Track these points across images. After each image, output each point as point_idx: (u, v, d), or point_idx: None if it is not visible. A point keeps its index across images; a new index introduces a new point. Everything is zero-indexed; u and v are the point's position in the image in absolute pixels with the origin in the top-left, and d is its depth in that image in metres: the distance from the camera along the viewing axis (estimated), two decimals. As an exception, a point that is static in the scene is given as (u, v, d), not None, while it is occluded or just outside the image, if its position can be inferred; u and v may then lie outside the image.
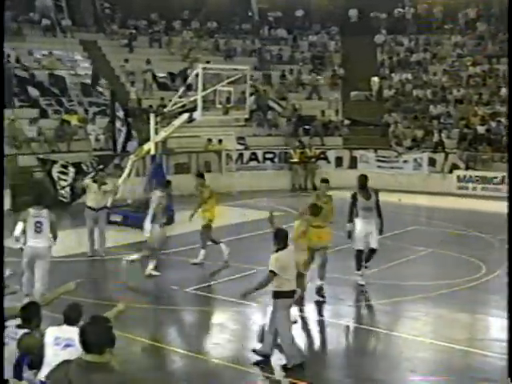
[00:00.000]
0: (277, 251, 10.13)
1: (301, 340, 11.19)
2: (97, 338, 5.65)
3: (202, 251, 16.08)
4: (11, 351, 7.42)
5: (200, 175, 17.85)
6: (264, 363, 10.14)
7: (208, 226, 16.31)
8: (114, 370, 5.76)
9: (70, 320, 7.37)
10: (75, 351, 6.70)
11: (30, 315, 7.68)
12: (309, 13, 40.34)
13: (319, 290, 13.33)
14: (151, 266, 15.06)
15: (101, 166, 23.90)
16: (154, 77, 32.31)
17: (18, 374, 7.44)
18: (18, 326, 7.61)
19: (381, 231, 14.22)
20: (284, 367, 10.01)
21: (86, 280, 14.72)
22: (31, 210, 12.71)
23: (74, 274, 15.08)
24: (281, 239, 10.21)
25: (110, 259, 16.43)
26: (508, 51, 23.24)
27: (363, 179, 14.63)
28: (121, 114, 23.57)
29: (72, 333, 7.01)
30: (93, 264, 16.31)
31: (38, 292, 12.35)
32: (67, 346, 7.16)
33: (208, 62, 29.88)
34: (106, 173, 22.71)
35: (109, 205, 20.95)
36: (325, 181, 14.86)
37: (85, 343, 5.65)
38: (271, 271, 9.90)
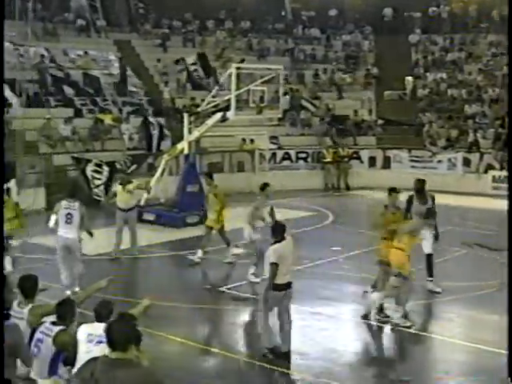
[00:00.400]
0: (274, 243, 10.38)
1: (334, 340, 11.17)
2: (122, 334, 5.69)
3: (233, 249, 16.22)
4: (47, 348, 7.49)
5: (208, 175, 17.85)
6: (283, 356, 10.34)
7: (211, 228, 16.35)
8: (139, 367, 5.79)
9: (100, 317, 7.42)
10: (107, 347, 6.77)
11: (66, 312, 7.74)
12: (342, 12, 40.20)
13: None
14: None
15: (134, 166, 24.10)
16: (189, 76, 32.30)
17: (53, 371, 7.51)
18: (53, 323, 7.68)
19: (436, 237, 13.96)
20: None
21: (119, 278, 14.84)
22: (63, 202, 13.36)
23: (106, 273, 15.24)
24: (278, 232, 10.46)
25: (143, 258, 16.51)
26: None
27: (420, 183, 14.21)
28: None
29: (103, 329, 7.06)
30: (126, 262, 16.39)
31: (77, 273, 13.30)
32: (99, 342, 7.20)
33: (243, 61, 29.96)
34: (132, 171, 23.05)
35: (142, 204, 21.14)
36: (393, 190, 13.37)
37: (110, 340, 5.69)
38: (272, 263, 10.14)
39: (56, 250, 13.54)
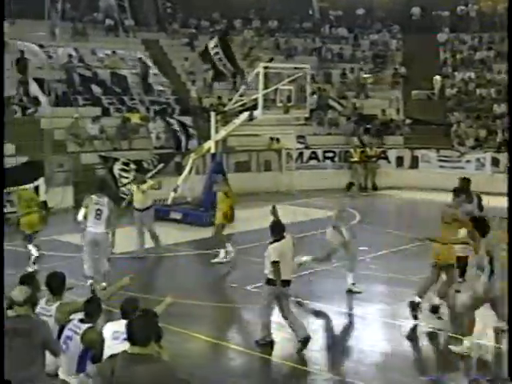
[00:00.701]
0: (273, 242, 10.63)
1: (361, 340, 11.13)
2: (142, 330, 5.71)
3: (222, 251, 16.16)
4: (75, 345, 7.53)
5: (220, 172, 17.95)
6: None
7: (223, 226, 16.29)
8: (159, 362, 5.80)
9: (126, 314, 7.44)
10: None
11: (93, 309, 7.78)
12: (370, 11, 40.05)
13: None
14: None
15: (161, 165, 24.18)
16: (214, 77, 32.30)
17: (81, 368, 7.55)
18: (81, 321, 7.71)
19: None
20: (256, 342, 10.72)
21: (145, 276, 14.92)
22: (93, 197, 13.65)
23: (132, 271, 15.30)
24: (277, 231, 10.74)
25: (169, 256, 16.56)
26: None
27: (465, 182, 13.94)
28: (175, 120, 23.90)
29: None
30: (152, 261, 16.44)
31: (103, 269, 13.54)
32: (125, 339, 7.23)
33: (272, 60, 29.96)
34: (159, 170, 23.17)
35: (169, 202, 21.23)
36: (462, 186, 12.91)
37: (130, 335, 5.72)
38: (274, 262, 10.38)
39: (82, 245, 13.71)
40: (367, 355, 10.65)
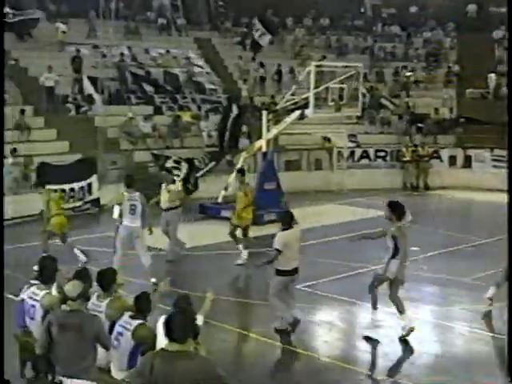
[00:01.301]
0: (282, 231, 11.01)
1: (413, 341, 11.03)
2: (180, 327, 5.74)
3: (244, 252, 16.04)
4: (126, 341, 7.61)
5: (240, 171, 17.37)
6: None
7: (237, 226, 16.17)
8: (198, 358, 5.85)
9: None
10: None
11: (144, 306, 7.86)
12: (424, 9, 39.65)
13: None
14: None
15: (212, 163, 24.29)
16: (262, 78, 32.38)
17: (132, 364, 7.62)
18: (132, 317, 7.79)
19: None
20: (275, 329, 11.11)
21: (194, 273, 15.01)
22: (126, 194, 13.87)
23: (181, 268, 15.46)
24: (286, 220, 11.09)
25: (219, 254, 16.61)
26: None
27: None
28: (234, 113, 23.93)
29: None
30: (202, 258, 16.51)
31: (147, 263, 13.96)
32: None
33: (324, 58, 29.88)
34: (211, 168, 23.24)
35: (220, 200, 21.30)
36: None
37: (169, 332, 5.75)
38: (276, 249, 10.85)
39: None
40: (418, 357, 10.55)
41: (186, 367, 5.61)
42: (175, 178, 23.36)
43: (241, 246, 16.15)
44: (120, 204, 13.77)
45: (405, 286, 13.93)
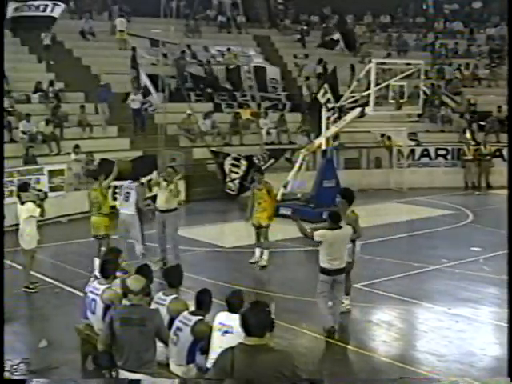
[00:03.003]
0: (329, 229, 10.93)
1: (473, 343, 10.87)
2: (258, 321, 5.75)
3: (262, 251, 15.60)
4: (185, 337, 7.68)
5: (258, 170, 16.81)
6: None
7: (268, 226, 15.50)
8: (277, 351, 5.87)
9: (233, 307, 7.54)
10: (232, 338, 6.88)
11: (204, 301, 7.91)
12: (487, 4, 38.96)
13: None
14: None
15: (272, 160, 24.29)
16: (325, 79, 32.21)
17: (190, 359, 7.69)
18: (192, 313, 7.86)
19: None
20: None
21: (251, 271, 15.04)
22: (125, 183, 14.91)
23: (239, 265, 15.50)
24: (334, 219, 10.98)
25: (278, 251, 16.60)
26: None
27: None
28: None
29: (233, 320, 7.16)
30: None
31: (139, 252, 14.55)
32: (226, 332, 7.33)
33: (389, 55, 29.60)
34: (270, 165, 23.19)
35: (278, 198, 21.28)
36: None
37: (247, 327, 5.76)
38: (313, 236, 11.04)
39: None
40: (479, 358, 10.38)
41: (267, 360, 5.65)
42: (235, 175, 23.64)
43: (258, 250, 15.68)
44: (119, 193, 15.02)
45: (465, 286, 13.83)
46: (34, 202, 13.25)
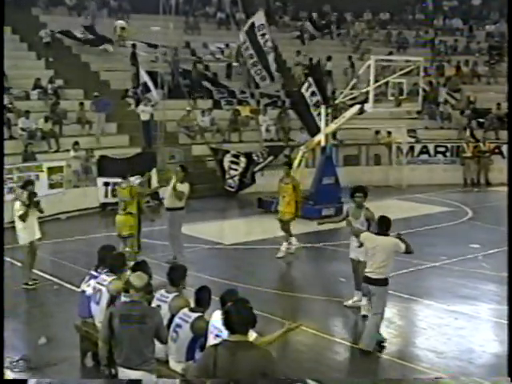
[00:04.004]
0: (375, 234, 10.49)
1: (472, 340, 10.87)
2: (240, 318, 5.79)
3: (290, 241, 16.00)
4: (185, 333, 7.68)
5: (287, 164, 17.17)
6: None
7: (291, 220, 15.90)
8: (259, 348, 5.89)
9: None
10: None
11: (204, 299, 7.91)
12: (487, 1, 38.96)
13: None
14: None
15: (271, 157, 24.28)
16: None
17: (190, 356, 7.69)
18: (191, 310, 7.86)
19: None
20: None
21: (253, 268, 15.04)
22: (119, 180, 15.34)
23: (240, 261, 15.50)
24: (383, 226, 10.42)
25: (277, 249, 16.59)
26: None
27: None
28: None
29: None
30: (261, 252, 16.53)
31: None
32: (217, 336, 7.31)
33: (391, 53, 29.55)
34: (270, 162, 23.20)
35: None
36: None
37: (230, 324, 5.79)
38: (357, 233, 10.85)
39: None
40: (478, 355, 10.39)
41: (247, 357, 5.67)
42: (234, 172, 23.62)
43: (294, 239, 16.12)
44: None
45: (464, 283, 13.83)
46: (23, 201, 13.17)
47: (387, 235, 10.37)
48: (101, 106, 25.07)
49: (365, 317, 11.27)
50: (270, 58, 26.49)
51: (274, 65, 26.70)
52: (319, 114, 21.22)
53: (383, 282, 10.35)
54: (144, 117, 25.01)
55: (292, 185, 15.83)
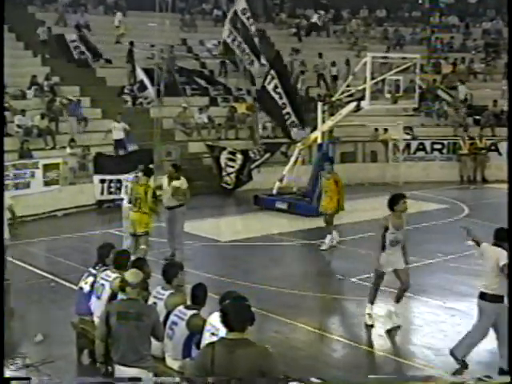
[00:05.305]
0: (491, 244, 9.95)
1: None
2: (238, 315, 5.77)
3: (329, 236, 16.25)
4: (181, 331, 7.67)
5: (329, 159, 17.72)
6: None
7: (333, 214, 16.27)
8: (257, 346, 5.84)
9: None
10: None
11: (199, 295, 7.91)
12: (483, -2, 39.03)
13: None
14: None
15: (267, 154, 24.27)
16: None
17: (186, 353, 7.68)
18: (187, 307, 7.85)
19: None
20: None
21: (247, 264, 15.04)
22: (124, 176, 15.92)
23: (234, 259, 15.49)
24: (501, 236, 10.00)
25: (274, 245, 16.61)
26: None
27: None
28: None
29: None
30: (258, 249, 16.54)
31: (124, 246, 14.11)
32: (213, 334, 7.28)
33: (388, 50, 29.49)
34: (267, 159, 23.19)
35: (274, 192, 21.29)
36: None
37: (228, 322, 5.77)
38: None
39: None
40: (474, 353, 10.38)
41: (245, 354, 5.65)
42: (230, 169, 23.60)
43: (335, 233, 16.41)
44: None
45: (460, 281, 13.84)
46: None
47: (501, 247, 9.80)
48: (71, 109, 25.02)
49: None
50: (257, 40, 26.58)
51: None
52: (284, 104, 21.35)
53: (488, 296, 9.62)
54: (117, 135, 23.89)
55: (334, 180, 16.22)
